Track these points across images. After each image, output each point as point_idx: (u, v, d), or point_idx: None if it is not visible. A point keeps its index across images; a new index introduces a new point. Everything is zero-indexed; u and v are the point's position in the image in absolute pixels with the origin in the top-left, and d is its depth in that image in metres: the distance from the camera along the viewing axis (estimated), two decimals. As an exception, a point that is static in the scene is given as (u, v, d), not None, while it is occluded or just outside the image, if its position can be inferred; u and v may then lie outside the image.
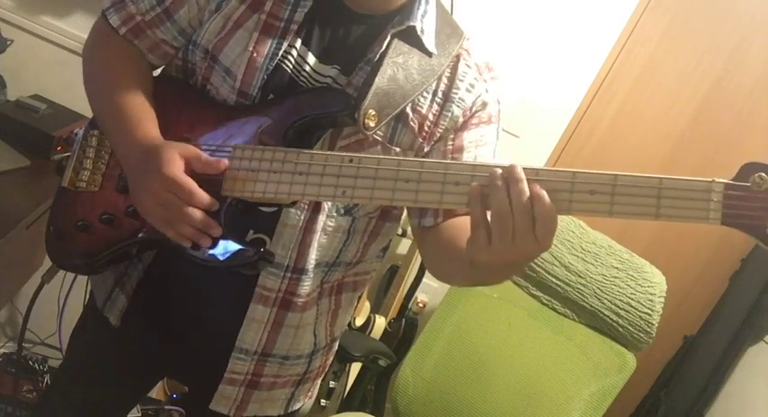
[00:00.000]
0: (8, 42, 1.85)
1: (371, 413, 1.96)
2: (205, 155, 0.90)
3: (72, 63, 2.01)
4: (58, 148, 1.78)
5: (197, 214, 0.87)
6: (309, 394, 1.22)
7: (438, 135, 1.00)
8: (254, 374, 1.08)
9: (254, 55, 0.96)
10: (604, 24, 2.27)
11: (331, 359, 1.23)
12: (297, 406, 1.20)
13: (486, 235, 0.74)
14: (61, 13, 2.00)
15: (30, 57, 2.00)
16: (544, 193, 0.72)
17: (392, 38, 0.96)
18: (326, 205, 0.99)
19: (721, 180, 0.69)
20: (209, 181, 0.89)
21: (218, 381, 1.08)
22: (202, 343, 1.09)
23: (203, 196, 0.87)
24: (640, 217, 0.72)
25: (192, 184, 0.86)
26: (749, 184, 0.68)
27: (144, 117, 0.97)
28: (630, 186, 0.72)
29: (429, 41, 0.99)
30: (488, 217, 0.75)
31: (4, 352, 2.12)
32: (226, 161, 0.89)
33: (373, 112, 0.93)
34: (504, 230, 0.72)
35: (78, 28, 2.00)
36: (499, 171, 0.74)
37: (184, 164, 0.87)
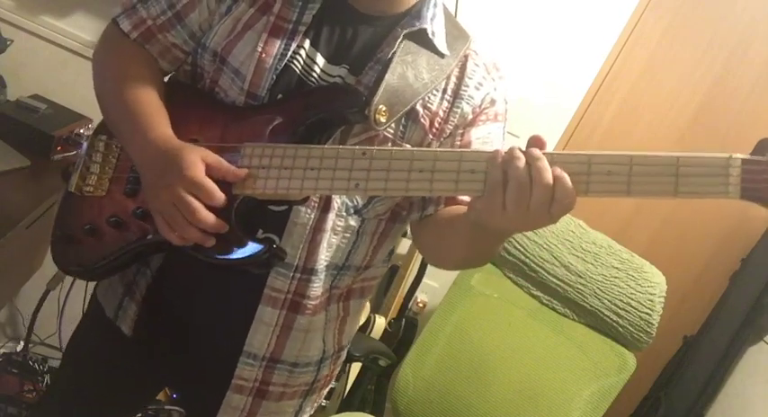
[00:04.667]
0: (8, 42, 1.85)
1: (371, 413, 1.96)
2: (225, 162, 0.90)
3: (72, 63, 2.01)
4: (58, 148, 1.79)
5: (210, 217, 0.87)
6: (316, 405, 1.21)
7: (448, 131, 1.01)
8: (262, 382, 1.07)
9: (263, 55, 0.97)
10: (604, 24, 2.27)
11: (337, 369, 1.22)
12: None
13: (502, 201, 0.75)
14: (61, 13, 2.00)
15: (30, 57, 2.00)
16: (565, 175, 0.74)
17: (403, 38, 0.98)
18: (336, 204, 0.99)
19: (739, 155, 0.71)
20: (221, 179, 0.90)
21: (225, 390, 1.07)
22: (210, 349, 1.08)
23: (222, 196, 0.88)
24: (659, 195, 0.73)
25: (213, 186, 0.87)
26: (767, 158, 0.70)
27: (159, 118, 0.97)
28: (648, 165, 0.73)
29: (440, 43, 1.01)
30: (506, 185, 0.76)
31: (5, 352, 2.13)
32: (246, 170, 0.90)
33: (384, 108, 0.93)
34: (521, 200, 0.74)
35: (78, 28, 2.00)
36: (518, 150, 0.77)
37: (205, 168, 0.88)
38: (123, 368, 1.17)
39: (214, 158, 0.90)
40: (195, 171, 0.87)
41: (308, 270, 1.02)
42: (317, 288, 1.04)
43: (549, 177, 0.73)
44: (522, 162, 0.75)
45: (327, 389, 1.23)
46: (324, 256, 1.02)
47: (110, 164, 1.06)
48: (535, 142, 0.77)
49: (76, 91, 1.97)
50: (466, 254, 0.99)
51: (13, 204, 1.56)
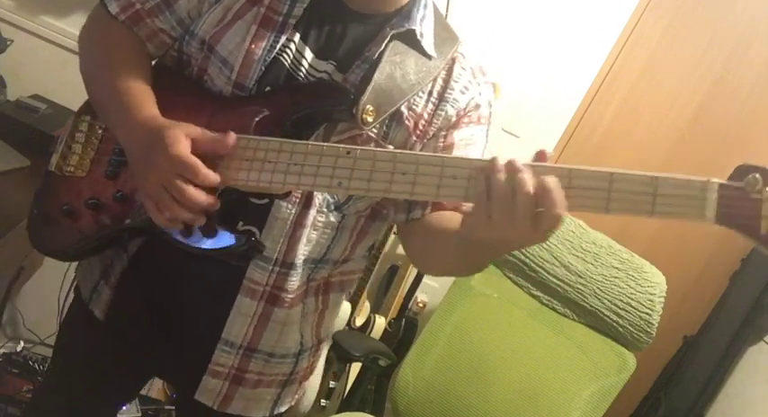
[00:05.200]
0: (8, 42, 1.85)
1: (371, 413, 1.96)
2: (210, 133, 0.88)
3: (72, 63, 1.99)
4: (58, 148, 1.78)
5: (200, 195, 0.85)
6: (296, 396, 1.22)
7: (431, 133, 1.01)
8: (238, 369, 1.08)
9: (252, 46, 0.96)
10: (604, 24, 2.27)
11: (318, 362, 1.23)
12: (282, 409, 1.19)
13: (488, 212, 0.74)
14: (61, 13, 2.00)
15: (30, 57, 2.00)
16: (553, 186, 0.71)
17: (391, 38, 0.97)
18: (317, 200, 1.00)
19: (716, 180, 0.70)
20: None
21: (202, 374, 1.07)
22: (188, 336, 1.08)
23: (209, 173, 0.85)
24: (636, 213, 0.72)
25: (197, 162, 0.84)
26: (743, 185, 0.69)
27: (146, 98, 0.96)
28: (627, 182, 0.72)
29: (428, 45, 1.01)
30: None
31: (5, 352, 2.13)
32: (233, 135, 0.87)
33: (371, 108, 0.93)
34: (504, 210, 0.73)
35: (78, 28, 1.97)
36: (500, 161, 0.75)
37: (190, 143, 0.86)
38: (104, 354, 1.16)
39: (198, 132, 0.87)
40: (179, 148, 0.84)
41: (287, 265, 1.02)
42: (295, 281, 1.04)
43: (529, 187, 0.72)
44: (502, 174, 0.74)
45: (308, 381, 1.24)
46: (302, 251, 1.02)
47: (92, 144, 1.06)
48: (539, 157, 0.76)
49: (76, 91, 1.95)
50: (455, 266, 0.99)
51: (13, 204, 1.56)
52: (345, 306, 2.18)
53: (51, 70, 2.02)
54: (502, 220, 0.74)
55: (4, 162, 1.64)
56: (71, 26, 2.00)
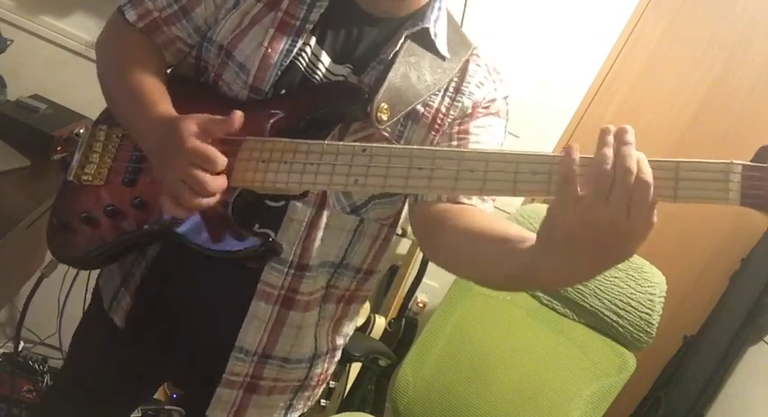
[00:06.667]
0: (8, 42, 1.85)
1: (371, 413, 1.96)
2: (216, 117, 0.87)
3: (72, 63, 2.01)
4: (58, 148, 1.78)
5: (218, 180, 0.85)
6: (309, 403, 1.22)
7: (446, 124, 1.02)
8: (253, 376, 1.08)
9: (269, 51, 0.97)
10: (604, 24, 2.27)
11: (332, 368, 1.23)
12: (295, 415, 1.19)
13: (575, 191, 0.68)
14: (61, 13, 2.00)
15: (30, 57, 2.00)
16: (647, 167, 0.68)
17: (406, 39, 0.98)
18: (331, 201, 1.00)
19: (739, 161, 0.70)
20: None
21: (216, 385, 1.07)
22: (203, 343, 1.09)
23: (223, 159, 0.85)
24: (659, 199, 0.71)
25: (213, 151, 0.84)
26: (766, 165, 0.69)
27: (160, 96, 0.97)
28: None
29: (442, 45, 1.01)
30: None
31: (4, 352, 2.12)
32: (239, 113, 0.86)
33: (386, 106, 0.94)
34: (600, 186, 0.67)
35: (78, 28, 2.00)
36: (611, 127, 0.71)
37: (200, 132, 0.86)
38: (120, 362, 1.17)
39: (206, 118, 0.87)
40: (194, 140, 0.84)
41: (302, 266, 1.02)
42: (310, 284, 1.04)
43: (631, 163, 0.68)
44: (610, 150, 0.70)
45: (322, 388, 1.24)
46: (318, 253, 1.02)
47: (109, 153, 1.07)
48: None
49: (76, 91, 1.97)
50: (506, 270, 0.82)
51: (13, 204, 1.56)
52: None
53: (51, 70, 2.02)
54: (597, 198, 0.66)
55: (4, 162, 1.64)
56: (71, 26, 2.00)
